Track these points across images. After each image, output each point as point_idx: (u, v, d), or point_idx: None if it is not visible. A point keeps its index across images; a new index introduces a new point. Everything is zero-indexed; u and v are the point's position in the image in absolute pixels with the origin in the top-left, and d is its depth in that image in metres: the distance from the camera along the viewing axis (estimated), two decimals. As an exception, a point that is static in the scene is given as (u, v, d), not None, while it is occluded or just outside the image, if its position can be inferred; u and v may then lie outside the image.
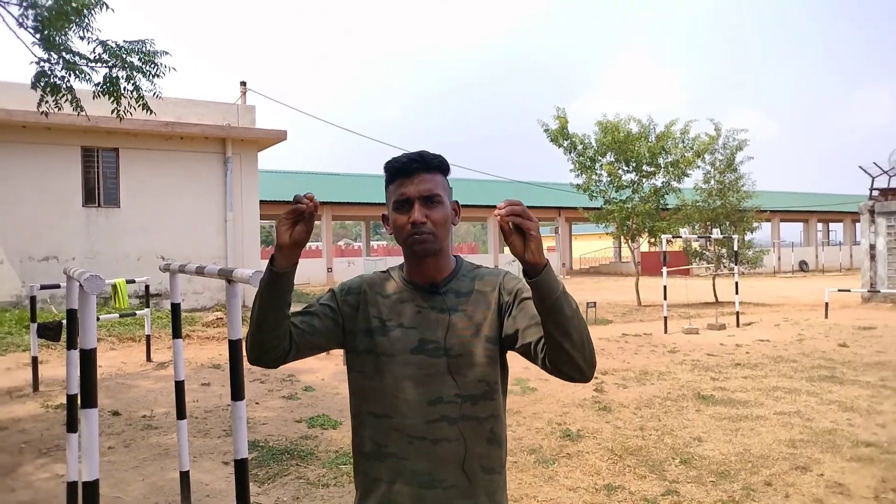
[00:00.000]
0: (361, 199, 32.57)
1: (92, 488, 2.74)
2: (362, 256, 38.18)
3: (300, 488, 4.78)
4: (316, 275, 30.23)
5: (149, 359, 9.40)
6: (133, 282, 9.10)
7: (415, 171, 1.70)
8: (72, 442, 4.10)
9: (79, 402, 2.82)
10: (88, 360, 2.83)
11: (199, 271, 3.57)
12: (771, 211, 28.52)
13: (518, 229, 1.49)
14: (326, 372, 8.99)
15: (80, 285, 2.86)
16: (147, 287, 9.74)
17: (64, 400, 7.04)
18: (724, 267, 18.87)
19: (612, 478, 4.88)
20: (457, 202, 1.82)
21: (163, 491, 4.73)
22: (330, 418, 6.59)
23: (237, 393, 3.11)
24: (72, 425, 4.10)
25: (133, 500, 4.56)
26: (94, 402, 2.82)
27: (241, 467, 3.10)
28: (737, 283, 14.28)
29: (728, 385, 7.88)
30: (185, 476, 4.45)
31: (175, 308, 4.40)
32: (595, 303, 14.56)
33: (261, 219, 16.58)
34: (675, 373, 8.70)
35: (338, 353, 9.93)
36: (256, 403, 7.22)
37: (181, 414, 4.46)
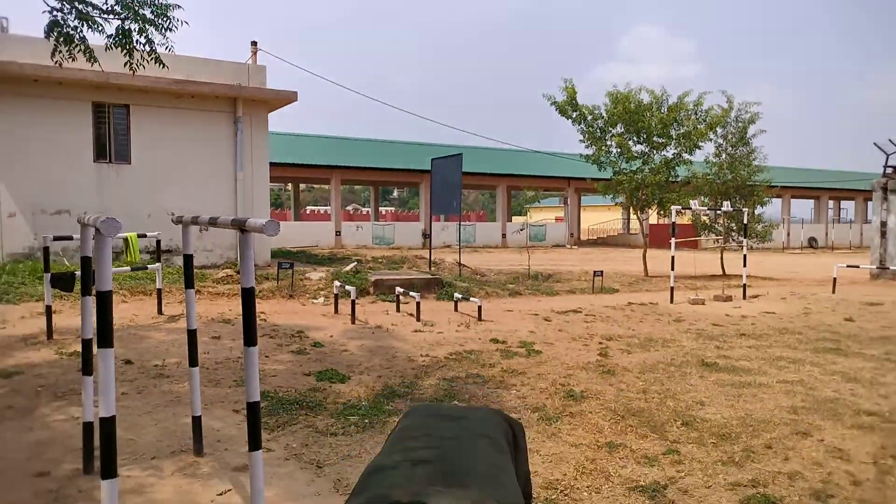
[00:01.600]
0: (370, 163, 32.47)
1: (108, 424, 2.83)
2: (370, 221, 38.24)
3: (309, 436, 4.90)
4: (325, 238, 30.33)
5: (160, 312, 9.54)
6: (144, 236, 9.18)
7: None
8: (87, 385, 4.21)
9: (95, 342, 2.90)
10: (105, 301, 2.90)
11: (213, 222, 3.61)
12: (782, 186, 28.29)
13: None
14: (335, 329, 9.10)
15: (97, 229, 2.92)
16: (158, 242, 9.83)
17: (78, 348, 7.19)
18: (733, 240, 18.81)
19: (614, 436, 4.97)
20: None
21: (175, 435, 4.86)
22: (338, 372, 6.71)
23: (250, 339, 3.16)
24: (87, 368, 4.20)
25: (146, 444, 4.69)
26: (111, 343, 2.90)
27: (253, 409, 3.18)
28: (745, 257, 14.26)
29: (732, 354, 7.94)
30: (197, 420, 4.58)
31: (187, 259, 4.46)
32: (602, 272, 14.60)
33: (270, 181, 16.60)
34: (679, 341, 8.76)
35: (346, 312, 10.05)
36: (266, 357, 7.34)
37: (193, 361, 4.56)
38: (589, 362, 7.44)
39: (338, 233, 31.26)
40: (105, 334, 2.85)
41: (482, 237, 34.76)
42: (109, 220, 2.80)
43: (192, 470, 4.27)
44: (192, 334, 4.56)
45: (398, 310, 10.88)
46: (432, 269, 15.66)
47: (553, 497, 3.90)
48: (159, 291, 9.70)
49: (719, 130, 18.63)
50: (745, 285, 13.83)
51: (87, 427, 4.20)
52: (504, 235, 35.24)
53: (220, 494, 3.92)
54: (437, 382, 6.47)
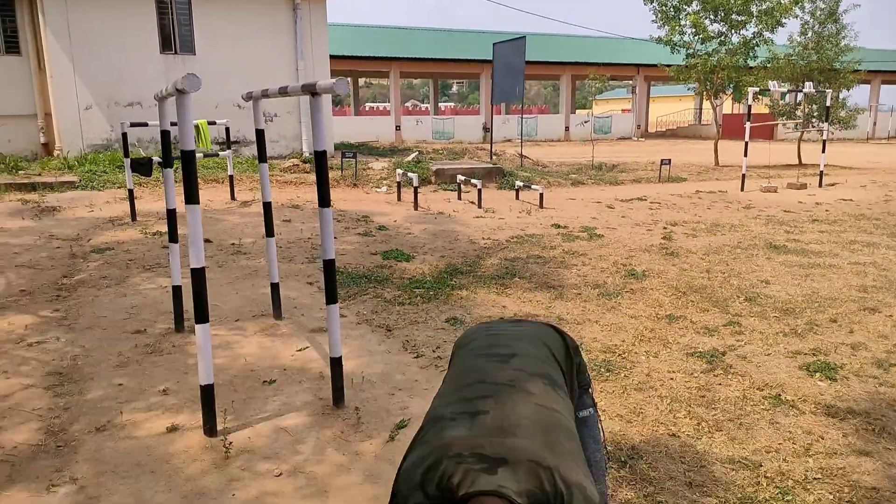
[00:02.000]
0: (430, 54, 31.63)
1: (199, 273, 3.08)
2: (430, 115, 37.77)
3: (378, 305, 5.17)
4: (384, 133, 30.28)
5: (233, 197, 9.94)
6: (214, 123, 9.41)
7: None
8: (174, 251, 4.53)
9: (183, 200, 3.09)
10: (189, 162, 3.07)
11: (283, 92, 3.67)
12: (872, 71, 26.08)
13: None
14: (398, 215, 9.31)
15: (179, 90, 3.04)
16: (227, 129, 10.07)
17: (160, 228, 7.65)
18: (813, 127, 17.72)
19: (675, 310, 5.03)
20: None
21: (255, 303, 5.22)
22: (402, 252, 6.93)
23: (324, 201, 3.30)
24: (173, 236, 4.51)
25: (230, 309, 5.06)
26: (197, 199, 3.09)
27: (328, 267, 3.37)
28: (824, 142, 13.49)
29: (803, 238, 7.74)
30: (275, 287, 4.89)
31: (259, 133, 4.60)
32: (669, 160, 14.14)
33: (330, 75, 16.48)
34: (747, 226, 8.57)
35: (408, 200, 10.20)
36: (334, 238, 7.63)
37: (270, 232, 4.81)
38: (652, 245, 7.41)
39: (397, 127, 31.11)
40: (191, 191, 3.03)
41: (544, 130, 33.94)
42: (190, 77, 2.91)
43: (273, 331, 4.62)
44: (267, 206, 4.79)
45: (459, 198, 10.97)
46: (493, 159, 15.54)
47: (611, 359, 4.04)
48: (231, 178, 10.06)
49: (807, 5, 17.11)
50: (821, 173, 13.18)
51: (177, 290, 4.56)
52: (567, 128, 34.29)
53: (299, 350, 4.25)
54: (499, 262, 6.62)
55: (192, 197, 3.03)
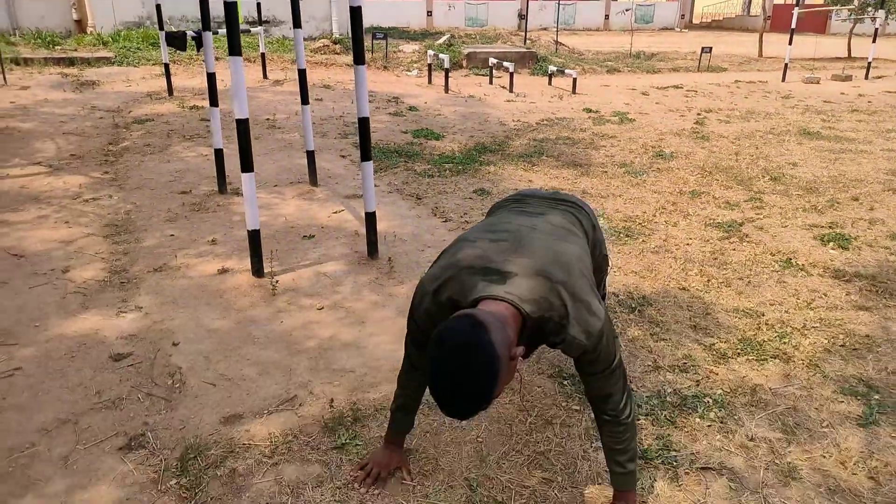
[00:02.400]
0: (464, -68, 29.87)
1: (243, 124, 3.26)
2: (463, 0, 36.20)
3: (409, 177, 5.36)
4: (415, 18, 29.28)
5: (265, 76, 9.98)
6: (244, -2, 9.31)
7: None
8: (214, 115, 4.71)
9: (228, 52, 3.22)
10: (231, 10, 3.17)
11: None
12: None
13: None
14: (429, 97, 9.30)
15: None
16: (258, 5, 9.95)
17: (196, 103, 7.81)
18: (867, 16, 16.71)
19: (698, 186, 5.14)
20: (513, 352, 1.47)
21: (291, 171, 5.44)
22: (433, 131, 7.03)
23: (359, 58, 3.38)
24: (213, 100, 4.67)
25: (268, 176, 5.29)
26: (239, 52, 3.21)
27: (363, 125, 3.52)
28: (876, 31, 12.79)
29: (839, 126, 7.61)
30: (311, 155, 5.09)
31: (294, 1, 4.62)
32: (710, 48, 13.61)
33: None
34: (783, 114, 8.41)
35: (439, 83, 10.13)
36: (365, 116, 7.74)
37: (305, 99, 4.94)
38: (683, 129, 7.38)
39: (429, 13, 30.00)
40: (233, 43, 3.16)
41: (583, 19, 32.45)
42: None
43: (309, 196, 4.86)
44: (302, 74, 4.90)
45: (491, 82, 10.84)
46: (527, 45, 15.11)
47: (631, 226, 4.22)
48: (263, 56, 10.05)
49: None
50: (869, 64, 12.61)
51: (218, 153, 4.79)
52: (607, 17, 32.71)
53: (335, 213, 4.50)
54: (528, 142, 6.70)
55: (234, 49, 3.15)
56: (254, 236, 3.37)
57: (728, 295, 3.29)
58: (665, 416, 2.30)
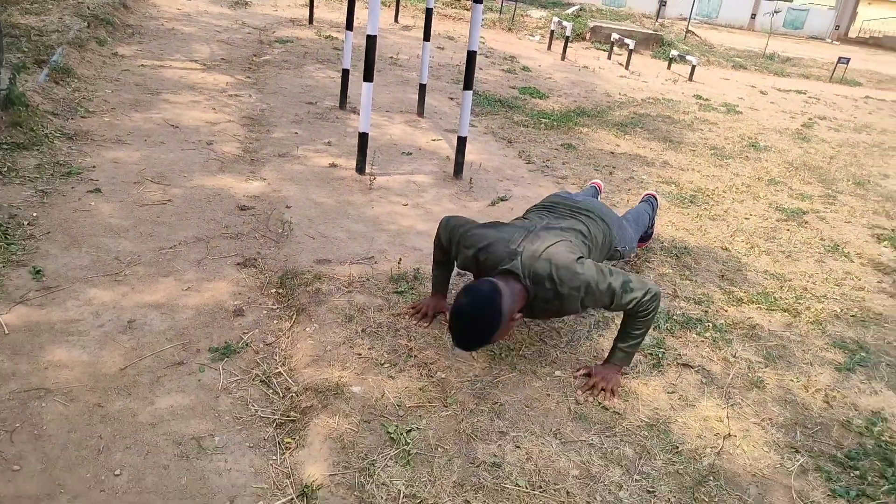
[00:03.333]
0: None
1: (372, 41, 3.85)
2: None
3: (505, 124, 5.85)
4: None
5: (396, 20, 10.64)
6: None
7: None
8: (348, 37, 5.36)
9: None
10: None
11: None
12: None
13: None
14: (544, 61, 9.64)
15: None
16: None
17: (332, 34, 8.57)
18: None
19: (779, 177, 5.32)
20: (520, 310, 2.15)
21: (403, 102, 6.05)
22: (538, 91, 7.44)
23: None
24: (349, 25, 5.32)
25: (382, 103, 5.93)
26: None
27: (470, 57, 4.03)
28: None
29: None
30: (422, 88, 5.67)
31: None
32: (848, 59, 13.01)
33: None
34: (902, 133, 8.17)
35: (558, 51, 10.42)
36: (480, 69, 8.24)
37: (427, 36, 5.50)
38: (787, 128, 7.40)
39: (568, -15, 29.69)
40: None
41: (727, 14, 31.05)
42: None
43: (414, 123, 5.46)
44: (428, 12, 5.46)
45: (609, 57, 11.00)
46: (656, 27, 14.97)
47: (697, 196, 4.54)
48: (397, 1, 10.69)
49: None
50: None
51: (345, 73, 5.46)
52: (753, 16, 31.11)
53: (434, 140, 5.07)
54: (627, 114, 6.98)
55: (374, -22, 3.73)
56: (363, 138, 4.00)
57: (764, 261, 3.61)
58: (666, 327, 2.74)
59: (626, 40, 10.45)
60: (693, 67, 10.19)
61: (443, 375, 2.26)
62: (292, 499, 1.75)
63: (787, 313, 3.04)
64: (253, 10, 9.69)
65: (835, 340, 2.86)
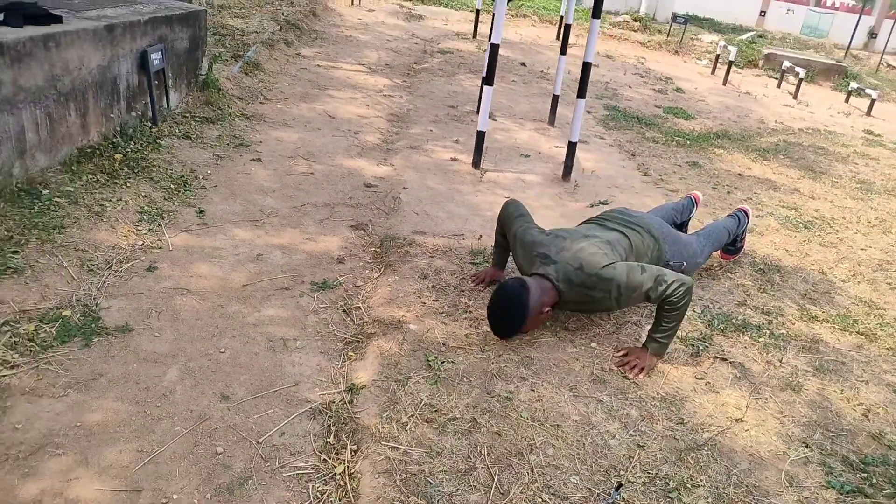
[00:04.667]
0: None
1: (494, 49, 4.29)
2: (807, 6, 32.92)
3: (635, 138, 6.01)
4: (745, 15, 27.68)
5: (558, 37, 11.02)
6: (560, -35, 10.35)
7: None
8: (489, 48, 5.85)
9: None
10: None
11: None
12: None
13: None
14: (702, 85, 9.50)
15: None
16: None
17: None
18: None
19: (926, 216, 4.96)
20: (547, 309, 2.49)
21: (539, 112, 6.42)
22: (685, 111, 7.43)
23: (596, 14, 4.17)
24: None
25: (519, 111, 6.34)
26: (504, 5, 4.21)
27: (585, 68, 4.33)
28: None
29: None
30: (555, 99, 6.02)
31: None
32: None
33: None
34: None
35: (723, 75, 10.18)
36: (629, 87, 8.37)
37: (563, 50, 5.84)
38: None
39: (762, 13, 28.06)
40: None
41: (948, 47, 27.50)
42: None
43: (543, 131, 5.81)
44: (566, 28, 5.79)
45: (779, 86, 10.51)
46: (843, 58, 13.89)
47: (813, 222, 4.43)
48: (561, 19, 11.07)
49: None
50: None
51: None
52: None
53: (556, 147, 5.39)
54: (775, 141, 6.78)
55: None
56: (480, 136, 4.46)
57: (862, 288, 3.52)
58: (720, 326, 2.87)
59: (798, 69, 9.95)
60: (872, 101, 9.46)
61: (488, 329, 2.63)
62: (341, 391, 2.23)
63: (862, 336, 3.01)
64: (425, 22, 10.58)
65: (905, 367, 2.80)
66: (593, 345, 2.63)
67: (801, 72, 9.75)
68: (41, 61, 3.11)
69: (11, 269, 2.46)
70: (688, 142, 6.10)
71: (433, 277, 2.98)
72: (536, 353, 2.52)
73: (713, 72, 10.71)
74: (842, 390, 2.56)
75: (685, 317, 2.59)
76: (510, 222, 2.82)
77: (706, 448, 2.14)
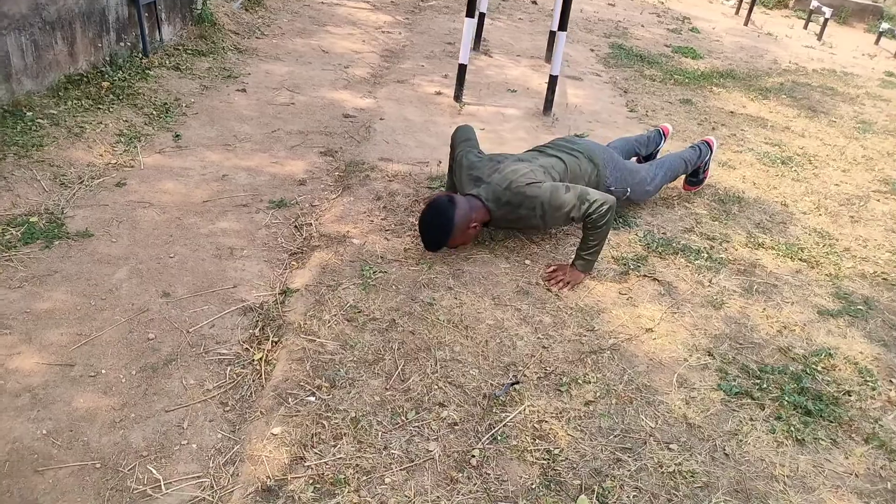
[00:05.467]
0: None
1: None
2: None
3: (632, 76, 5.95)
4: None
5: None
6: None
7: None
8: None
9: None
10: None
11: None
12: None
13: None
14: (721, 25, 9.21)
15: None
16: None
17: None
18: None
19: (919, 155, 4.87)
20: (475, 224, 2.61)
21: (539, 49, 6.37)
22: (695, 51, 7.27)
23: None
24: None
25: (519, 48, 6.31)
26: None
27: (566, 3, 4.32)
28: None
29: None
30: (551, 35, 5.96)
31: None
32: None
33: None
34: None
35: (751, 15, 9.84)
36: (641, 26, 8.20)
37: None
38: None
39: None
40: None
41: None
42: None
43: (537, 67, 5.80)
44: None
45: (805, 27, 10.11)
46: (884, 1, 13.18)
47: (793, 158, 4.41)
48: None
49: None
50: None
51: (481, 17, 5.95)
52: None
53: (546, 83, 5.39)
54: (782, 81, 6.61)
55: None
56: (462, 68, 4.52)
57: (821, 220, 3.54)
58: (658, 249, 2.97)
59: (824, 8, 9.54)
60: (903, 42, 9.06)
61: (427, 244, 2.78)
62: (275, 293, 2.42)
63: (804, 263, 3.06)
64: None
65: (842, 292, 2.86)
66: (527, 262, 2.77)
67: (828, 11, 9.36)
68: (23, -11, 3.28)
69: (-13, 180, 2.69)
70: (686, 80, 6.03)
71: (386, 199, 3.12)
72: (469, 267, 2.66)
73: (737, 12, 10.34)
74: (764, 309, 2.66)
75: (608, 236, 2.68)
76: (457, 146, 2.93)
77: (608, 352, 2.28)
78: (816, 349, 2.44)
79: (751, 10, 9.59)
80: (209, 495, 1.65)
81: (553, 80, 4.54)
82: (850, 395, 2.22)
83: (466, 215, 2.56)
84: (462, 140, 2.93)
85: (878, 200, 3.93)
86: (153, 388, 1.94)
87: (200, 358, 2.08)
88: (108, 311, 2.20)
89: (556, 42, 4.47)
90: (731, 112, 5.31)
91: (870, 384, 2.30)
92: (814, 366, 2.34)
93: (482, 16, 5.94)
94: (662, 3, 10.15)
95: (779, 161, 4.31)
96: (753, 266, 2.97)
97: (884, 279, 3.04)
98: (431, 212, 2.54)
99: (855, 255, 3.22)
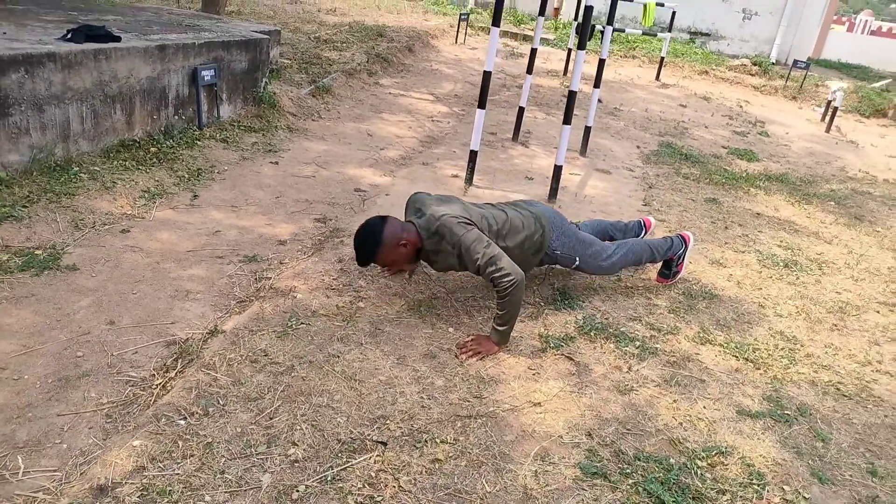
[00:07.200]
0: None
1: (487, 75, 4.66)
2: None
3: (668, 173, 5.99)
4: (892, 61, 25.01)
5: (657, 78, 10.97)
6: (662, 5, 10.34)
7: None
8: (527, 80, 6.19)
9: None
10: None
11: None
12: None
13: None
14: (799, 130, 9.01)
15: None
16: (673, 14, 10.87)
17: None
18: None
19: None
20: (404, 243, 2.78)
21: (580, 143, 6.59)
22: (752, 153, 7.18)
23: (581, 46, 4.40)
24: (529, 70, 6.14)
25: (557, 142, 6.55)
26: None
27: (571, 96, 4.55)
28: None
29: None
30: (587, 130, 6.18)
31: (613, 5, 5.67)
32: None
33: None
34: None
35: (839, 124, 9.57)
36: (705, 127, 8.21)
37: (597, 84, 6.02)
38: None
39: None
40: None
41: None
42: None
43: (570, 161, 6.00)
44: (601, 62, 5.99)
45: (901, 136, 9.65)
46: None
47: (799, 263, 4.25)
48: (661, 59, 11.02)
49: None
50: None
51: (520, 111, 6.29)
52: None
53: (570, 174, 5.57)
54: (841, 188, 6.37)
55: (495, 21, 4.54)
56: (473, 154, 4.82)
57: (798, 325, 3.40)
58: (592, 333, 3.00)
59: (916, 117, 9.09)
60: None
61: (361, 305, 3.00)
62: (203, 332, 2.72)
63: (750, 363, 2.97)
64: (521, 60, 11.05)
65: (776, 396, 2.74)
66: (450, 329, 2.91)
67: (919, 121, 8.91)
68: (90, 69, 4.00)
69: (14, 217, 3.25)
70: (723, 180, 5.97)
71: (346, 263, 3.40)
72: (390, 328, 2.85)
73: (823, 119, 10.07)
74: (675, 401, 2.61)
75: (519, 311, 2.75)
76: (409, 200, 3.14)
77: (483, 418, 2.35)
78: (711, 446, 2.37)
79: (833, 117, 9.32)
80: (53, 486, 1.91)
81: (557, 170, 4.73)
82: (723, 495, 2.15)
83: (396, 234, 2.75)
84: (417, 192, 3.13)
85: (878, 312, 3.70)
86: (58, 395, 2.26)
87: (111, 377, 2.39)
88: (56, 331, 2.59)
89: (561, 134, 4.69)
90: (758, 214, 5.21)
91: (755, 486, 2.20)
92: (698, 461, 2.28)
93: (521, 109, 6.28)
94: (741, 106, 10.10)
95: (780, 264, 4.18)
96: (687, 360, 2.92)
97: (836, 389, 2.87)
98: (364, 227, 2.78)
99: (816, 362, 3.07)
